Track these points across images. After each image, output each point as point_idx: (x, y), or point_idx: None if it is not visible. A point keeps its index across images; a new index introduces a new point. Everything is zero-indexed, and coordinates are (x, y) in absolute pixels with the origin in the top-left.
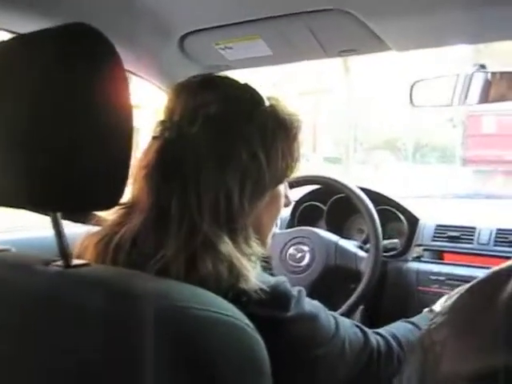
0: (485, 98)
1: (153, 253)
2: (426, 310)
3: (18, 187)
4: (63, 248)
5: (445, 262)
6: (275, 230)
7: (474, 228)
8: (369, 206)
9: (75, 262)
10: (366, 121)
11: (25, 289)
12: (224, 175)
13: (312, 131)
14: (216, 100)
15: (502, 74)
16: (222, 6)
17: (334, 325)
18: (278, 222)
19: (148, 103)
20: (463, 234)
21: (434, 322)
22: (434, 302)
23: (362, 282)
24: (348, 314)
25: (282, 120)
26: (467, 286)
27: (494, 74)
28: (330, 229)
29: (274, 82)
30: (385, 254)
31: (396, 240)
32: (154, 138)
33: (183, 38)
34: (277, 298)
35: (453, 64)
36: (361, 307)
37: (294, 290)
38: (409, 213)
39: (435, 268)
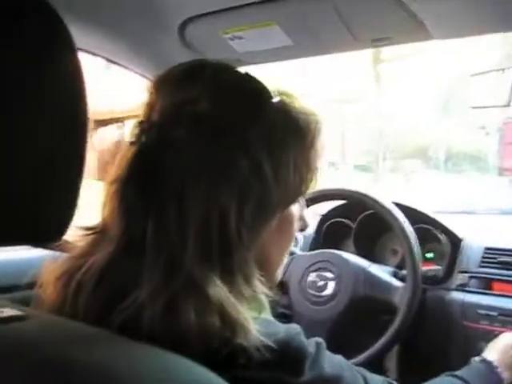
0: None
1: (122, 295)
2: (477, 359)
3: None
4: None
5: (495, 292)
6: (296, 250)
7: None
8: (404, 224)
9: (8, 313)
10: (396, 128)
11: None
12: (216, 192)
13: (341, 139)
14: (206, 94)
15: None
16: None
17: None
18: (301, 240)
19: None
20: None
21: None
22: (484, 343)
23: (396, 318)
24: (380, 355)
25: (294, 121)
26: None
27: None
28: (359, 250)
29: (302, 90)
30: (424, 283)
31: (439, 267)
32: (131, 143)
33: (183, 25)
34: (286, 356)
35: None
36: (396, 347)
37: (311, 345)
38: (450, 232)
39: (484, 300)
